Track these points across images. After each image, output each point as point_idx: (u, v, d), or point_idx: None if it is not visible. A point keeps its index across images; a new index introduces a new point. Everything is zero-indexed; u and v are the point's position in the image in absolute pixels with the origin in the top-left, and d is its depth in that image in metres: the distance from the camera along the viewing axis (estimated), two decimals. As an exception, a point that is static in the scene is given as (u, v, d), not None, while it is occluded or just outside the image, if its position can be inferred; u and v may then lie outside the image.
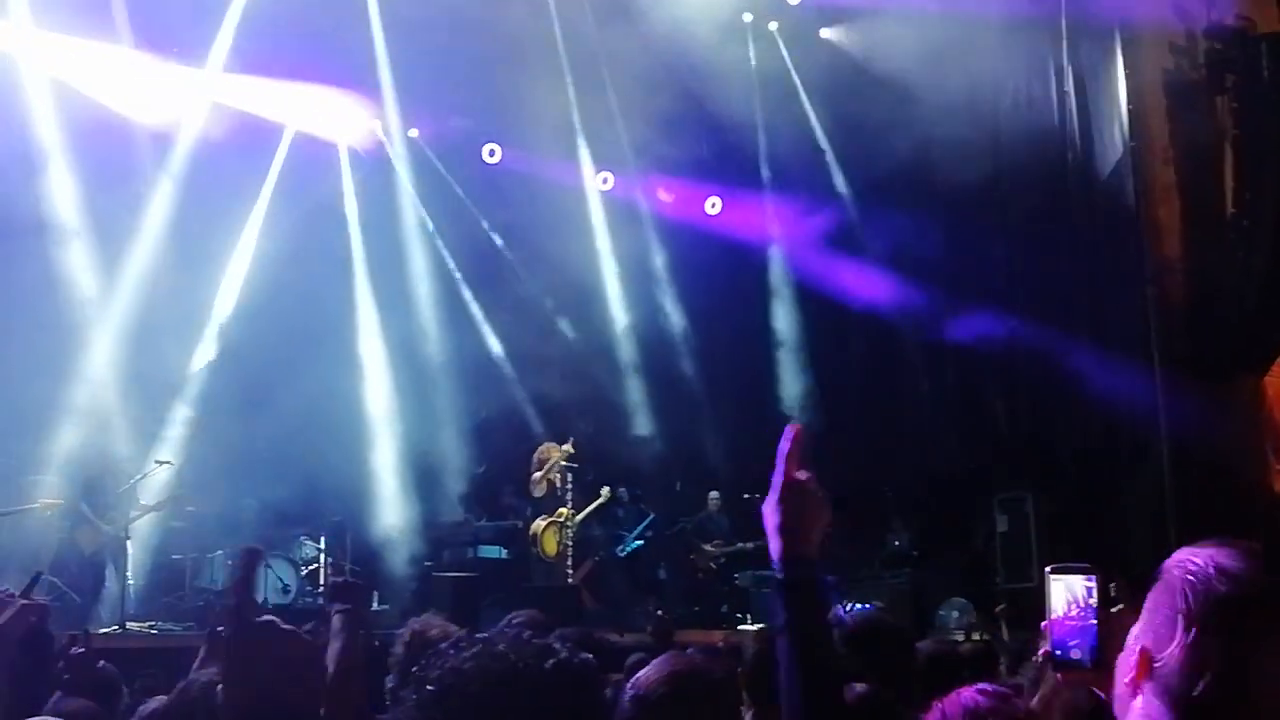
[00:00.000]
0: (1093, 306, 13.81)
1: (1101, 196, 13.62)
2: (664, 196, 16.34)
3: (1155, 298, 12.81)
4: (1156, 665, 1.94)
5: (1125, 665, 2.01)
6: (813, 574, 2.52)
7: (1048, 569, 2.97)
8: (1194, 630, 1.92)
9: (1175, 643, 1.93)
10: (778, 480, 2.58)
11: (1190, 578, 1.95)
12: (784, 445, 2.60)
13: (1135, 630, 2.03)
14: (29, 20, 12.99)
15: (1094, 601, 2.79)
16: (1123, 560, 9.94)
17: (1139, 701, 1.96)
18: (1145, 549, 11.65)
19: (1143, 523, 12.31)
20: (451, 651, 2.01)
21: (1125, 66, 13.16)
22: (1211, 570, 1.94)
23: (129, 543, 11.49)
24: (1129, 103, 13.07)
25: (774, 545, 2.53)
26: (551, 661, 2.01)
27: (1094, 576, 2.88)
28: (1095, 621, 2.63)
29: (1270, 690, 1.86)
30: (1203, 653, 1.90)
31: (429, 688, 1.96)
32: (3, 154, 12.53)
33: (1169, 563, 2.00)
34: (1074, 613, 2.86)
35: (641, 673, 2.95)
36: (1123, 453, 13.18)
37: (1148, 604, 2.01)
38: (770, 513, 2.57)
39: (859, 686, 3.49)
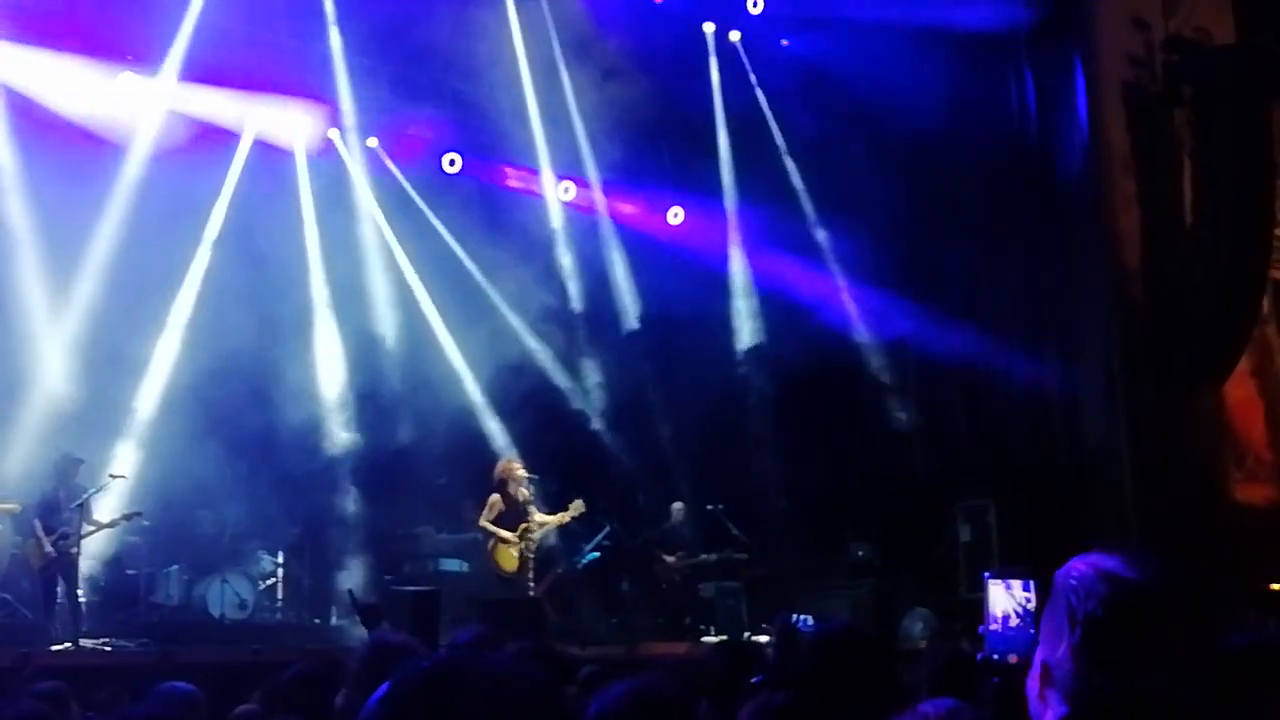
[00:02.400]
0: (1054, 315, 13.88)
1: (1062, 206, 13.69)
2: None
3: (1116, 307, 12.88)
4: (1054, 671, 2.01)
5: (1032, 681, 2.07)
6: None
7: (987, 574, 3.00)
8: (1078, 630, 1.99)
9: (1064, 646, 2.01)
10: None
11: (1073, 582, 2.04)
12: None
13: (1039, 646, 2.09)
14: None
15: (1032, 607, 2.82)
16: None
17: (1049, 712, 2.02)
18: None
19: (1106, 530, 12.35)
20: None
21: (1085, 78, 13.24)
22: (1091, 572, 2.03)
23: (79, 558, 11.24)
24: (1089, 114, 13.14)
25: None
26: (500, 673, 1.91)
27: (1032, 583, 2.93)
28: (1032, 630, 2.67)
29: (1154, 681, 1.92)
30: (1088, 649, 1.97)
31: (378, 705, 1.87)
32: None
33: (1058, 573, 2.08)
34: (1012, 622, 2.89)
35: (608, 691, 2.88)
36: (1085, 460, 13.23)
37: (1044, 616, 2.08)
38: None
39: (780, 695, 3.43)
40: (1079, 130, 13.34)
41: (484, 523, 12.16)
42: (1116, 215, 13.12)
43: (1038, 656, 2.06)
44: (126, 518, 11.61)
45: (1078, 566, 2.05)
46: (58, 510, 11.22)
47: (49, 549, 11.07)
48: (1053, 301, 13.87)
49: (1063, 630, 2.01)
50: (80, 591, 11.22)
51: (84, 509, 11.23)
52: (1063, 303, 13.75)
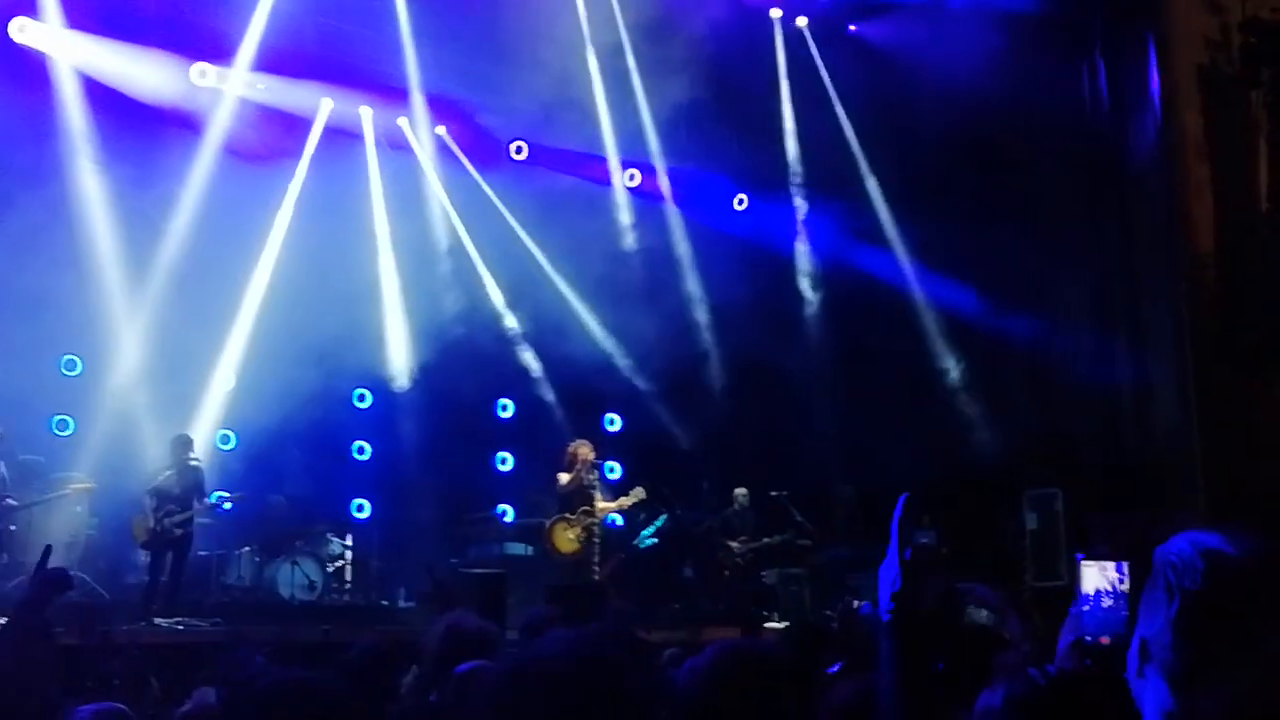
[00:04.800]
0: (1124, 302, 13.70)
1: (1134, 191, 13.50)
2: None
3: (1189, 294, 12.68)
4: (1153, 648, 2.02)
5: (1131, 658, 2.08)
6: (920, 633, 2.54)
7: (1080, 555, 3.00)
8: (1176, 604, 2.00)
9: (1164, 621, 2.01)
10: (894, 549, 2.59)
11: (1172, 559, 2.04)
12: (898, 512, 2.60)
13: (1137, 624, 2.09)
14: (60, 20, 13.07)
15: (1125, 588, 2.81)
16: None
17: (1148, 688, 2.04)
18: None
19: (1176, 519, 12.18)
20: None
21: (1159, 61, 13.03)
22: (1191, 549, 2.03)
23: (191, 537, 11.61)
24: (1163, 97, 12.93)
25: (885, 601, 2.57)
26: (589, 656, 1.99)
27: (1126, 565, 2.90)
28: (1126, 612, 2.66)
29: (1255, 656, 1.92)
30: (1189, 626, 1.98)
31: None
32: (36, 151, 12.64)
33: (1157, 551, 2.09)
34: (1104, 603, 2.89)
35: (704, 652, 2.91)
36: (1155, 448, 13.06)
37: (1143, 594, 2.08)
38: (889, 578, 2.59)
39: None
40: (1152, 115, 13.13)
41: (563, 485, 12.28)
42: (1190, 201, 12.90)
43: (1136, 635, 2.08)
44: (222, 501, 11.94)
45: (1177, 544, 2.07)
46: (169, 489, 11.49)
47: (155, 525, 11.35)
48: (1123, 288, 13.69)
49: (1161, 607, 2.03)
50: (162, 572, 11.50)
51: (199, 488, 11.54)
52: (1133, 289, 13.57)
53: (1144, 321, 13.38)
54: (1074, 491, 13.08)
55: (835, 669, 3.95)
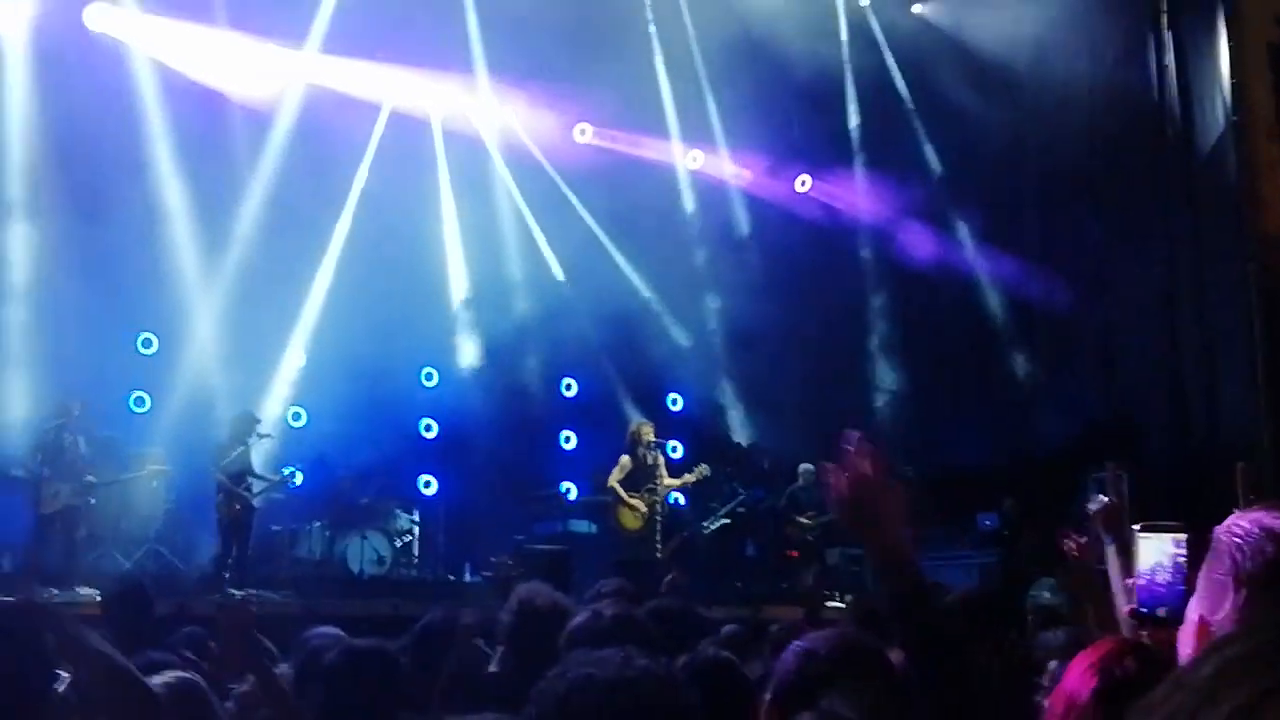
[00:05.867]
0: (1191, 284, 13.56)
1: (1202, 172, 13.35)
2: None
3: (1257, 274, 12.53)
4: (1213, 630, 1.95)
5: (1186, 637, 2.03)
6: (914, 581, 2.38)
7: (1137, 527, 2.95)
8: (1243, 591, 1.93)
9: (1228, 605, 1.94)
10: (838, 481, 2.39)
11: (1238, 540, 1.96)
12: (846, 449, 2.42)
13: (1193, 602, 2.05)
14: (135, 5, 13.34)
15: (1184, 562, 2.76)
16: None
17: None
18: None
19: (1244, 505, 12.08)
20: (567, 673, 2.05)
21: (1228, 39, 12.86)
22: (1258, 531, 1.95)
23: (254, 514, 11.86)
24: (1232, 76, 12.76)
25: (869, 552, 2.42)
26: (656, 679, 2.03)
27: (1184, 538, 2.86)
28: (1183, 586, 2.61)
29: None
30: (1254, 612, 1.90)
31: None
32: (112, 136, 12.93)
33: (1219, 529, 2.02)
34: (1161, 576, 2.83)
35: (812, 634, 2.89)
36: (1223, 433, 12.93)
37: (1202, 572, 2.03)
38: (843, 516, 2.42)
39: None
40: (1221, 93, 12.97)
41: (613, 482, 12.40)
42: (1259, 181, 12.74)
43: (1192, 612, 2.04)
44: (293, 475, 12.20)
45: (1241, 524, 2.00)
46: (240, 466, 11.77)
47: (228, 500, 11.63)
48: (1191, 270, 13.54)
49: (1225, 589, 1.96)
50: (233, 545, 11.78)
51: (268, 464, 11.88)
52: (1201, 272, 13.43)
53: (1212, 305, 13.23)
54: (1140, 474, 12.98)
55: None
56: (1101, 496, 4.81)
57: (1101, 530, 3.21)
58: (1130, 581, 2.64)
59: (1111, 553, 3.42)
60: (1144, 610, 2.57)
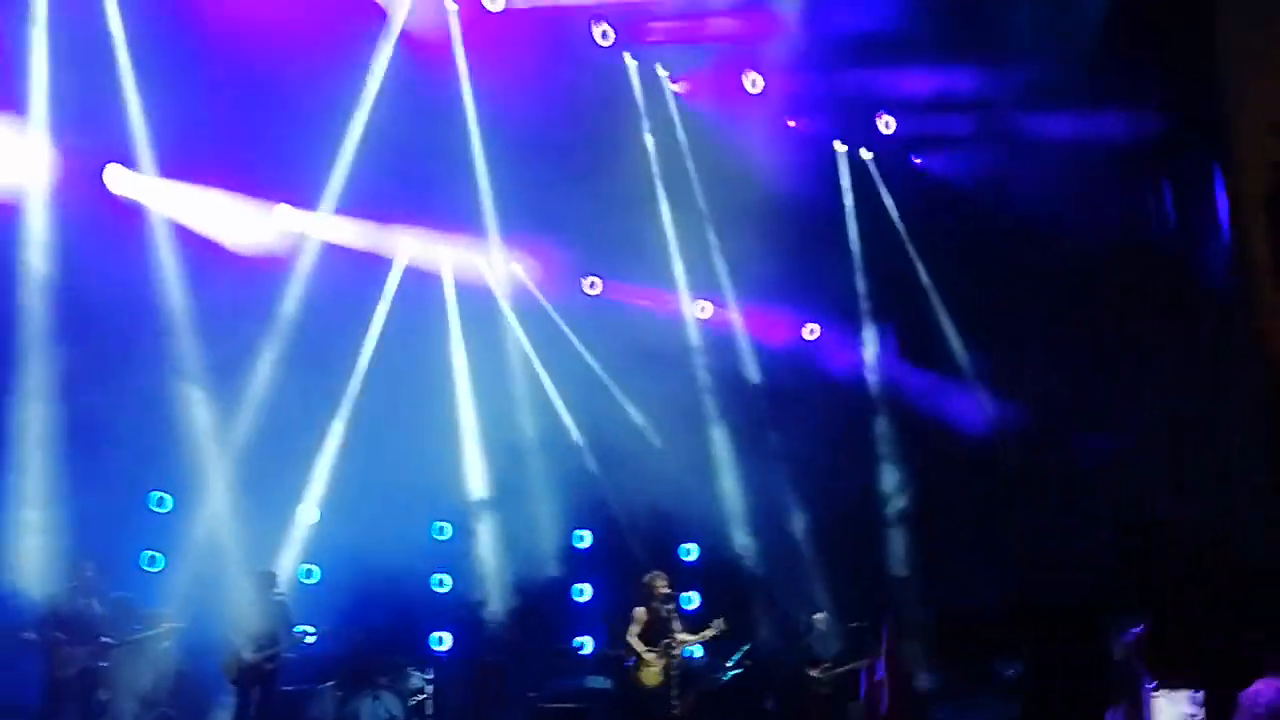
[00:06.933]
0: (1204, 430, 13.58)
1: (1207, 314, 13.49)
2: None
3: (1272, 412, 12.56)
4: None
5: None
6: None
7: (1150, 686, 2.95)
8: None
9: None
10: None
11: (1261, 711, 2.05)
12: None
13: None
14: (153, 170, 13.61)
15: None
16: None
17: None
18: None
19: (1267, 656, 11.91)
20: None
21: (1225, 188, 13.14)
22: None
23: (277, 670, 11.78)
24: (1230, 225, 13.01)
25: None
26: None
27: (1202, 695, 2.87)
28: None
29: None
30: None
31: None
32: (128, 295, 13.11)
33: (1246, 694, 2.13)
34: None
35: None
36: (1244, 581, 12.80)
37: None
38: None
39: None
40: (1221, 242, 13.19)
41: (630, 638, 12.26)
42: (1265, 323, 12.87)
43: None
44: (305, 635, 12.09)
45: (1265, 692, 2.10)
46: (255, 625, 11.68)
47: (243, 662, 11.52)
48: (1202, 414, 13.58)
49: None
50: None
51: (285, 623, 11.80)
52: (1213, 414, 13.47)
53: (1227, 448, 13.23)
54: (1159, 624, 12.82)
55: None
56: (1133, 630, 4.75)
57: (1138, 660, 3.17)
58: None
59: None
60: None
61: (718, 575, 15.25)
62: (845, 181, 16.34)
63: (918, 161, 16.22)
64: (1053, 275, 14.54)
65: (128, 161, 13.37)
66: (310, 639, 12.64)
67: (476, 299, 15.55)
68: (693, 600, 13.97)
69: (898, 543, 15.56)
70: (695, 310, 16.32)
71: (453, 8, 14.45)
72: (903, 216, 16.16)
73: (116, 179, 13.53)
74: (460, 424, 15.26)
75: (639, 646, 12.16)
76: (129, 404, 12.70)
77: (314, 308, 14.19)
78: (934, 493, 15.34)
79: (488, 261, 15.57)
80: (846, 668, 13.62)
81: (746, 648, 13.78)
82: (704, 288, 16.25)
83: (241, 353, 13.94)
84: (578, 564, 15.47)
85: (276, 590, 12.11)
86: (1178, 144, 13.99)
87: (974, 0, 14.19)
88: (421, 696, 13.46)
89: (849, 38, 14.39)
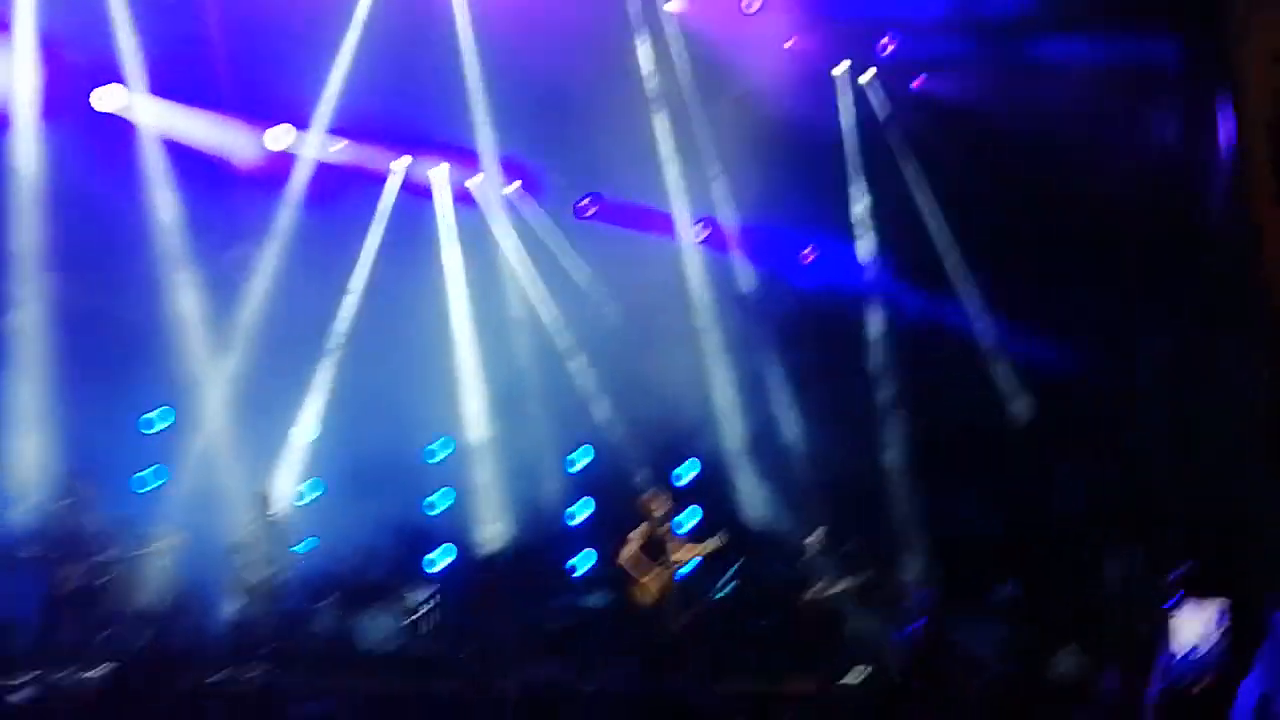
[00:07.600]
0: (1202, 356, 13.57)
1: (1209, 241, 13.45)
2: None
3: (1270, 347, 12.54)
4: (1274, 706, 1.99)
5: (1243, 712, 2.08)
6: None
7: (1172, 600, 2.92)
8: None
9: None
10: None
11: None
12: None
13: (1250, 681, 2.11)
14: (144, 87, 13.43)
15: (1219, 636, 2.74)
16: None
17: None
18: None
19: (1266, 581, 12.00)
20: None
21: (1232, 113, 13.03)
22: None
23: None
24: (1236, 147, 12.91)
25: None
26: None
27: (1225, 606, 2.84)
28: (1220, 656, 2.61)
29: None
30: None
31: None
32: (123, 211, 13.02)
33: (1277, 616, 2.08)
34: (1203, 648, 2.82)
35: None
36: (1241, 506, 12.86)
37: (1265, 650, 2.09)
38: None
39: None
40: (1223, 164, 13.10)
41: (624, 559, 12.33)
42: (1266, 251, 12.81)
43: (1251, 687, 2.07)
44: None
45: None
46: (251, 544, 11.80)
47: (242, 579, 11.68)
48: (1200, 340, 13.57)
49: None
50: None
51: (282, 542, 11.95)
52: (1210, 341, 13.45)
53: (1223, 375, 13.22)
54: (1158, 549, 12.89)
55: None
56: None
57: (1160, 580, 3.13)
58: (1163, 659, 2.62)
59: None
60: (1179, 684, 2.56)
61: (714, 493, 15.31)
62: (844, 102, 16.18)
63: (918, 82, 16.04)
64: (1055, 199, 14.45)
65: (118, 79, 13.19)
66: (307, 556, 12.65)
67: (472, 219, 15.45)
68: (689, 518, 14.03)
69: (898, 464, 15.61)
70: (692, 231, 16.21)
71: (447, -74, 14.24)
72: (903, 138, 16.01)
73: (106, 97, 13.36)
74: (456, 343, 15.23)
75: (634, 568, 12.23)
76: (124, 321, 12.66)
77: (309, 225, 14.13)
78: (933, 414, 15.35)
79: (483, 181, 15.45)
80: (841, 587, 13.71)
81: (739, 564, 13.86)
82: (700, 209, 16.14)
83: (235, 271, 13.89)
84: (576, 483, 15.51)
85: (271, 510, 12.13)
86: (1185, 71, 13.85)
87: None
88: (419, 615, 13.55)
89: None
